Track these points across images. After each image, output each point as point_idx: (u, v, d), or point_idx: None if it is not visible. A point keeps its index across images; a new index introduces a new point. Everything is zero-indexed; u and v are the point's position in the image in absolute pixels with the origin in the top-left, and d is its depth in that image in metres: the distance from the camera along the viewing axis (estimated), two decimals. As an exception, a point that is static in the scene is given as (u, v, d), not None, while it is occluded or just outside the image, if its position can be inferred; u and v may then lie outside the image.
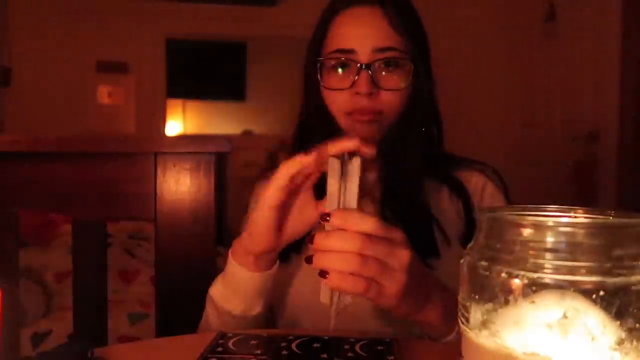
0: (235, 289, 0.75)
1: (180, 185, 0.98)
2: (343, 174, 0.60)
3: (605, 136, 3.11)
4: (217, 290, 0.78)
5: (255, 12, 3.94)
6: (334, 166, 0.60)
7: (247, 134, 5.45)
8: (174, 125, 5.81)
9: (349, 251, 0.55)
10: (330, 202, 0.59)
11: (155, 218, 0.98)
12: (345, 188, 0.60)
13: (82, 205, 0.99)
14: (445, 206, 0.88)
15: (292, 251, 0.85)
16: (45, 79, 3.69)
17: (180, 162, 0.98)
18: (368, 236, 0.56)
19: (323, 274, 0.56)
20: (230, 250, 0.75)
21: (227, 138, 1.01)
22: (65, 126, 3.61)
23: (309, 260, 0.57)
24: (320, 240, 0.57)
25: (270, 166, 0.98)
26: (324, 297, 0.59)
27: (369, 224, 0.57)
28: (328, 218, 0.57)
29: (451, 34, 3.44)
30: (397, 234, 0.59)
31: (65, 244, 2.21)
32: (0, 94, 3.64)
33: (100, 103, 3.92)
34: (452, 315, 0.66)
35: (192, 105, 5.99)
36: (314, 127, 0.90)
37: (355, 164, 0.60)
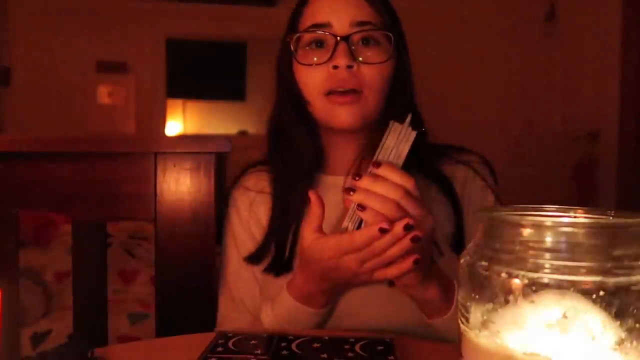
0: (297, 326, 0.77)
1: (180, 185, 0.98)
2: (399, 137, 0.67)
3: (605, 136, 3.11)
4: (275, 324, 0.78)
5: (255, 12, 3.94)
6: (394, 128, 0.68)
7: (242, 134, 5.43)
8: (174, 125, 5.81)
9: (389, 198, 0.62)
10: (383, 154, 0.67)
11: (155, 218, 0.98)
12: (397, 149, 0.67)
13: (82, 205, 0.99)
14: (435, 208, 0.83)
15: (284, 270, 0.84)
16: (45, 79, 3.69)
17: (180, 162, 0.98)
18: (407, 192, 0.63)
19: (360, 207, 0.63)
20: (288, 290, 0.76)
21: (227, 138, 1.00)
22: (65, 126, 3.61)
23: (349, 191, 0.64)
24: (367, 182, 0.63)
25: (242, 172, 0.97)
26: (347, 222, 0.66)
27: (410, 182, 0.64)
28: (377, 165, 0.64)
29: (451, 33, 3.44)
30: (425, 206, 0.65)
31: (65, 244, 2.21)
32: (0, 94, 3.64)
33: (100, 103, 3.92)
34: (447, 294, 0.71)
35: (192, 105, 5.98)
36: (289, 121, 0.86)
37: (412, 134, 0.67)
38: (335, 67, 0.78)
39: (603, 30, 3.10)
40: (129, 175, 0.99)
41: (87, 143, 1.01)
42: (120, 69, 3.91)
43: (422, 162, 0.84)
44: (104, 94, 3.92)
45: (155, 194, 0.98)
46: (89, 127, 3.77)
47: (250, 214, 0.91)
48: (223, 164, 1.04)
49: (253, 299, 0.87)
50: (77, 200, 0.99)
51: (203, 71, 5.55)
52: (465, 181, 0.87)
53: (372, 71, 0.79)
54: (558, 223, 0.35)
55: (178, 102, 5.74)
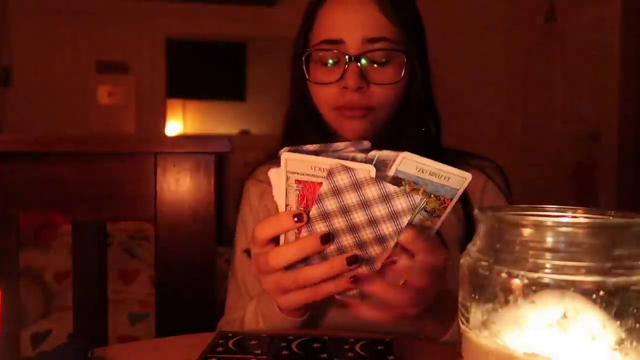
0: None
1: (180, 185, 0.98)
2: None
3: (605, 136, 3.11)
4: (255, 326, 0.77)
5: (255, 12, 3.94)
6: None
7: (244, 133, 5.44)
8: (174, 125, 5.81)
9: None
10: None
11: (155, 218, 0.98)
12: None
13: (82, 205, 0.99)
14: None
15: None
16: (45, 79, 3.69)
17: (180, 162, 0.98)
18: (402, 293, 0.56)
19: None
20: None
21: (228, 138, 1.00)
22: (65, 126, 3.61)
23: (356, 281, 0.57)
24: (367, 287, 0.57)
25: (258, 164, 0.96)
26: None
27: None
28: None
29: (451, 34, 3.44)
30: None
31: (65, 244, 2.21)
32: (0, 94, 3.64)
33: (100, 103, 3.92)
34: (447, 316, 0.66)
35: (192, 105, 5.98)
36: (302, 124, 0.86)
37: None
38: (346, 88, 0.78)
39: (603, 30, 3.10)
40: (129, 175, 0.99)
41: (87, 143, 1.01)
42: (120, 69, 3.91)
43: None
44: (104, 94, 3.92)
45: (155, 194, 0.98)
46: (89, 127, 3.77)
47: (260, 204, 0.91)
48: (223, 164, 1.03)
49: (258, 288, 0.87)
50: (77, 200, 1.00)
51: (203, 71, 5.54)
52: (478, 186, 0.86)
53: (384, 91, 0.79)
54: (558, 223, 0.35)
55: (178, 102, 5.74)
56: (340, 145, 0.55)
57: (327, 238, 0.55)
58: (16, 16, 3.70)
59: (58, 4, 3.69)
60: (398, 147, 0.82)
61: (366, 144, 0.55)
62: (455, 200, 0.56)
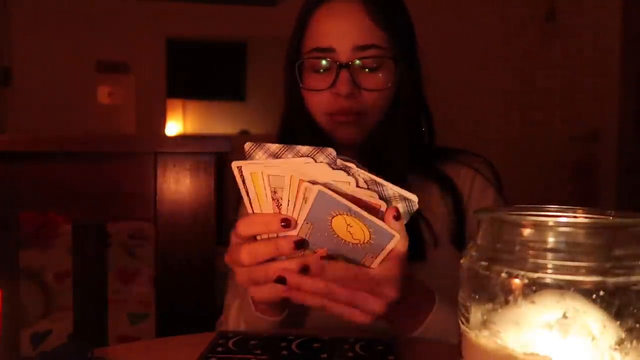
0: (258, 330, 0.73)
1: (180, 185, 0.98)
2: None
3: (605, 136, 3.11)
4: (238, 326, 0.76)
5: (255, 12, 3.94)
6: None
7: (244, 133, 5.44)
8: (174, 125, 5.81)
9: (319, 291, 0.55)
10: None
11: (155, 218, 0.98)
12: None
13: (82, 205, 0.99)
14: (435, 205, 0.85)
15: None
16: (45, 79, 3.69)
17: (180, 162, 0.98)
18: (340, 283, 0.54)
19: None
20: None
21: (227, 138, 1.01)
22: (65, 126, 3.60)
23: (282, 281, 0.55)
24: (293, 280, 0.55)
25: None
26: None
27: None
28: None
29: (451, 34, 3.44)
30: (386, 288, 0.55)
31: (65, 244, 2.21)
32: (1, 94, 3.64)
33: (100, 103, 3.92)
34: (420, 311, 0.66)
35: (192, 105, 5.98)
36: (296, 128, 0.87)
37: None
38: (337, 94, 0.79)
39: (603, 30, 3.10)
40: (129, 175, 0.99)
41: (87, 143, 1.01)
42: (120, 69, 3.91)
43: (419, 163, 0.86)
44: (104, 94, 3.92)
45: (155, 194, 0.98)
46: (89, 127, 3.77)
47: None
48: (223, 164, 1.04)
49: None
50: (77, 200, 1.00)
51: (203, 71, 5.54)
52: (467, 180, 0.88)
53: (375, 96, 0.80)
54: (558, 223, 0.35)
55: (178, 102, 5.74)
56: (302, 148, 0.53)
57: (301, 244, 0.55)
58: (16, 16, 3.70)
59: (58, 4, 3.69)
60: (387, 150, 0.83)
61: (330, 151, 0.53)
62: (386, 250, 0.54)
